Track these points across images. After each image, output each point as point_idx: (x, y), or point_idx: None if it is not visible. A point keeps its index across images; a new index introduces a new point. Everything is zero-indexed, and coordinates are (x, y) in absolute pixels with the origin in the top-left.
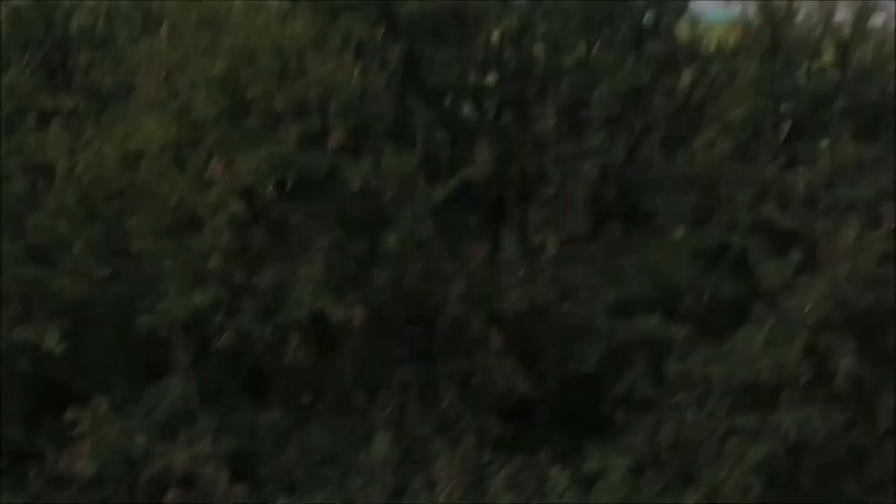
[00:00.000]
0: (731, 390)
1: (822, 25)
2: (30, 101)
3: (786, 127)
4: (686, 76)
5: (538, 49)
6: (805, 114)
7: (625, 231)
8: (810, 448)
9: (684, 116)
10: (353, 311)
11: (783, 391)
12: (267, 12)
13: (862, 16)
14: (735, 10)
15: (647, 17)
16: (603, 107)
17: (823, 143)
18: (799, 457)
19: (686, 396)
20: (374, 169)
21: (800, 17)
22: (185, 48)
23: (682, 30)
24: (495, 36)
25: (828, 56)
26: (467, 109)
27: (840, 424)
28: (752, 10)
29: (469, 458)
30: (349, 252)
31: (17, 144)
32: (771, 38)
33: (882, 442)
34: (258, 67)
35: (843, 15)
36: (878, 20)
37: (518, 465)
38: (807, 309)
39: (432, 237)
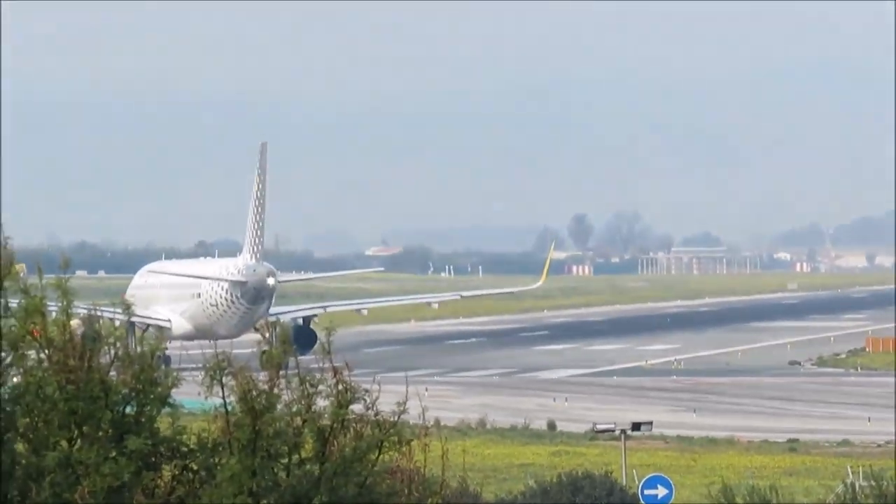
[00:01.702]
0: None
1: (303, 414)
2: None
3: None
4: (168, 471)
5: (21, 447)
6: None
7: None
8: None
9: None
10: None
11: None
12: None
13: (342, 404)
14: (216, 399)
15: (130, 409)
16: None
17: None
18: None
19: None
20: None
21: (280, 406)
22: None
23: (165, 422)
24: None
25: (309, 447)
26: None
27: None
28: (233, 398)
29: None
30: None
31: None
32: (252, 429)
33: None
34: None
35: (323, 403)
36: (357, 407)
37: None
38: None
39: None
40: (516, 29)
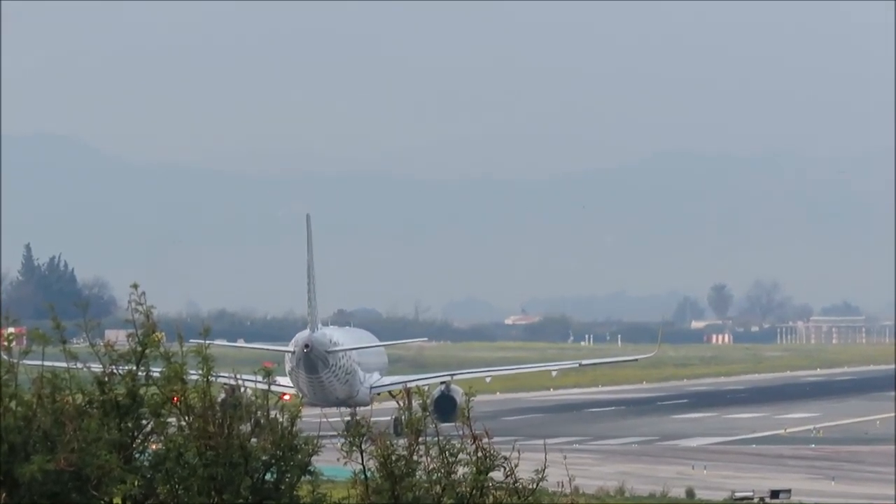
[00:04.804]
0: None
1: (443, 481)
2: None
3: None
4: None
5: None
6: None
7: None
8: None
9: None
10: None
11: None
12: None
13: (481, 470)
14: (356, 465)
15: (270, 476)
16: None
17: None
18: None
19: None
20: None
21: (420, 473)
22: None
23: (304, 489)
24: (117, 500)
25: None
26: None
27: None
28: (372, 464)
29: None
30: None
31: None
32: (391, 494)
33: None
34: None
35: (463, 470)
36: (497, 474)
37: None
38: None
39: None
40: (661, 105)
